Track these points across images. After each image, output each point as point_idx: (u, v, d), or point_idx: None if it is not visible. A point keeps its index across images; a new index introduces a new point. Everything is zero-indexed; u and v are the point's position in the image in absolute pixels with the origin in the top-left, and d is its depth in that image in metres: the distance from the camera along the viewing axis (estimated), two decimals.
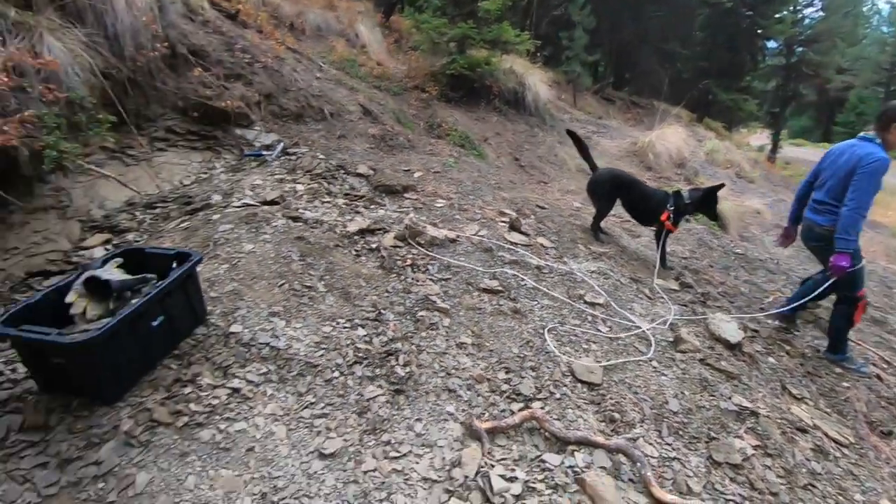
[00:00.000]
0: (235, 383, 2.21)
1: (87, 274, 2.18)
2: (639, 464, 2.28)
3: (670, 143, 8.41)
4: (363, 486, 1.94)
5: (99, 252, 3.32)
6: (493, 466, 2.12)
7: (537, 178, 7.10)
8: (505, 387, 2.57)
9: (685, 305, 4.01)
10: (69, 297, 2.11)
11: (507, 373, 2.66)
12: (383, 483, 1.97)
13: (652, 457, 2.38)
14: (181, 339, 2.33)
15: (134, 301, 2.11)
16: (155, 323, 2.14)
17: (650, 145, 8.43)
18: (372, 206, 4.16)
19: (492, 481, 2.03)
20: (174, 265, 2.30)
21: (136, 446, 1.91)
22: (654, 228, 4.81)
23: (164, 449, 1.92)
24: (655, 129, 8.91)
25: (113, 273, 2.24)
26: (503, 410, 2.44)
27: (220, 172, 4.58)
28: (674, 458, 2.42)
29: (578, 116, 11.03)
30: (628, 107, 15.20)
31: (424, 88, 7.80)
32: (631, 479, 2.24)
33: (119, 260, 2.35)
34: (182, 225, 3.53)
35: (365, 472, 1.99)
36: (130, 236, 3.52)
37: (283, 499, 1.83)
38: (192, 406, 2.07)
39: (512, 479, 2.07)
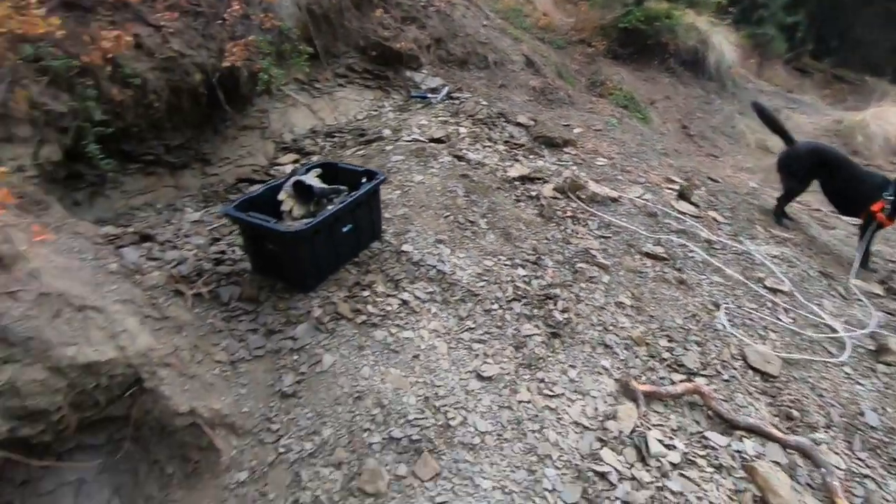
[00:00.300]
0: (405, 296, 2.37)
1: (295, 178, 2.47)
2: (823, 469, 1.98)
3: (890, 124, 6.83)
4: (517, 414, 1.98)
5: (289, 169, 3.75)
6: (649, 429, 2.01)
7: (707, 150, 6.34)
8: (666, 355, 2.40)
9: (891, 314, 3.32)
10: (280, 196, 2.41)
11: (669, 341, 2.47)
12: (536, 416, 1.99)
13: (837, 467, 2.06)
14: (361, 249, 2.55)
15: (330, 207, 2.34)
16: (345, 229, 2.36)
17: (861, 125, 6.95)
18: (531, 156, 4.08)
19: (648, 443, 1.93)
20: (364, 180, 2.49)
21: (323, 332, 2.16)
22: (859, 221, 4.00)
23: (345, 339, 2.15)
24: (871, 107, 7.30)
25: (314, 181, 2.50)
26: (662, 378, 2.29)
27: (388, 111, 4.83)
28: (866, 476, 2.07)
29: (763, 87, 9.50)
30: (828, 81, 12.67)
31: (591, 43, 7.31)
32: (809, 484, 1.97)
33: (318, 171, 2.61)
34: (358, 153, 3.82)
35: (519, 402, 2.03)
36: (314, 159, 3.91)
37: (444, 406, 1.95)
38: (370, 308, 2.27)
39: (670, 447, 1.95)
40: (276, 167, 3.84)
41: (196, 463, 1.98)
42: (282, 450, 1.84)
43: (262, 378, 2.04)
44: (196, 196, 3.37)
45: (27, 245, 1.83)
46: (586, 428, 1.99)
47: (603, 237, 3.14)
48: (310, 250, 2.19)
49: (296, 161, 3.91)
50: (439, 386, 2.02)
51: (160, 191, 3.39)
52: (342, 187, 2.52)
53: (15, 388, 1.66)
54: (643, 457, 1.89)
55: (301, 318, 2.19)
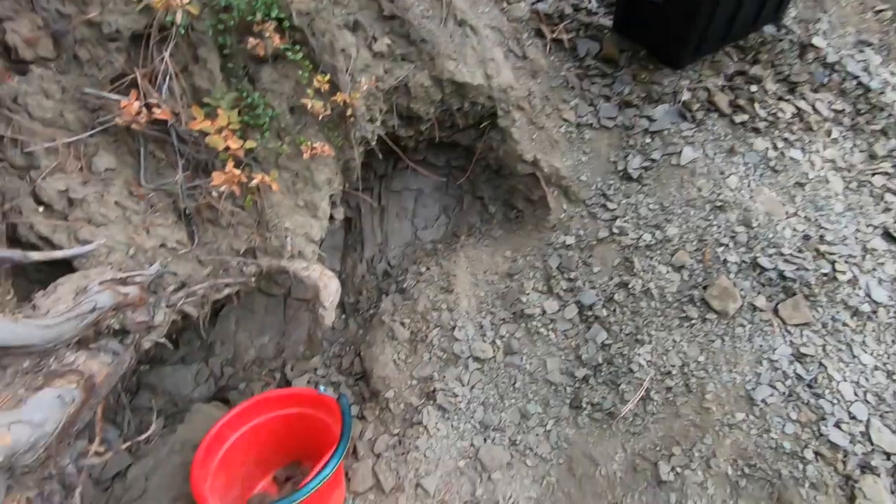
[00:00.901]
0: (801, 104, 1.79)
1: None
2: None
3: None
4: None
5: None
6: None
7: None
8: None
9: None
10: None
11: None
12: None
13: None
14: (752, 30, 1.92)
15: None
16: None
17: None
18: None
19: None
20: None
21: (688, 121, 1.80)
22: None
23: (714, 137, 1.77)
24: None
25: None
26: None
27: None
28: None
29: None
30: None
31: None
32: None
33: None
34: None
35: None
36: None
37: (831, 254, 1.54)
38: (756, 108, 1.78)
39: None
40: None
41: (519, 212, 2.02)
42: (615, 231, 1.72)
43: (605, 151, 1.84)
44: None
45: None
46: None
47: None
48: (709, 9, 1.68)
49: None
50: (826, 228, 1.59)
51: None
52: None
53: (407, 87, 1.73)
54: None
55: (664, 97, 1.84)
